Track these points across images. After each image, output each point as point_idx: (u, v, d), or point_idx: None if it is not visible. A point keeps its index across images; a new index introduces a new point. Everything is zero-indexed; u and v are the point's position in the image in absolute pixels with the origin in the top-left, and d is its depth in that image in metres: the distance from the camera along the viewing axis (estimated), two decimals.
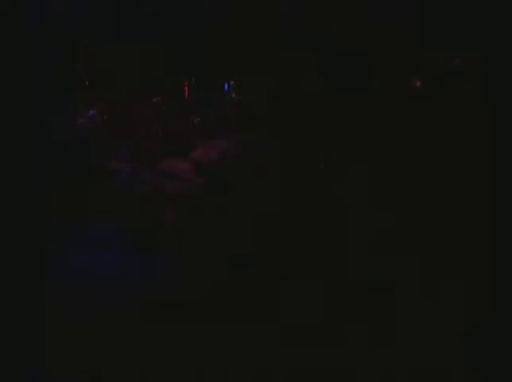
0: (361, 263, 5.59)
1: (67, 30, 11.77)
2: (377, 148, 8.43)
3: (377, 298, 4.99)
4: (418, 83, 9.03)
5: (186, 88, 12.72)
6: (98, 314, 4.77)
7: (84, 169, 9.69)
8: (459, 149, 7.82)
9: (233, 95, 13.32)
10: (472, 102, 8.32)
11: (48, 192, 8.31)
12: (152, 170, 11.37)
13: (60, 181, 8.93)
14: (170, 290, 5.28)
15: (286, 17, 11.64)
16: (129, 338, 4.43)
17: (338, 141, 9.14)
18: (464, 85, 8.61)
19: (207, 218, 7.81)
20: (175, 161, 11.99)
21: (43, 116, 9.73)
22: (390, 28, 9.76)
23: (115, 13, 12.66)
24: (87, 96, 11.81)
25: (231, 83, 13.57)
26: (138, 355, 4.32)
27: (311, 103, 10.17)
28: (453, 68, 8.98)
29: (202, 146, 11.98)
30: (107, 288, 5.27)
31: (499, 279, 3.66)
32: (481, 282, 4.37)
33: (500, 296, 3.61)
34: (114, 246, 6.50)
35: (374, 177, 7.74)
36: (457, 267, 5.15)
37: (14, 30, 3.96)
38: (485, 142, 4.80)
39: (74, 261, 5.63)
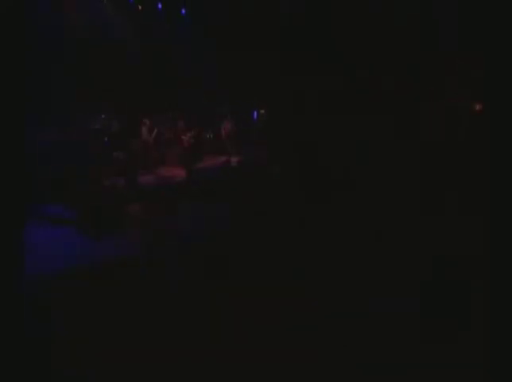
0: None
1: (78, 31, 11.84)
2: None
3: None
4: (478, 107, 8.93)
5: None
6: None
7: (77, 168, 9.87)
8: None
9: (260, 122, 13.57)
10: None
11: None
12: (148, 173, 11.54)
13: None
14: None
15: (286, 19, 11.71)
16: None
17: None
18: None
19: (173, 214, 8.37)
20: (174, 168, 12.19)
21: (41, 116, 9.78)
22: (390, 28, 9.76)
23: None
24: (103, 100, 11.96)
25: (261, 111, 13.74)
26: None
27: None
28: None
29: (207, 159, 12.22)
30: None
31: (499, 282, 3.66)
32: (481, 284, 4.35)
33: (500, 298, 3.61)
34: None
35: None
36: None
37: (14, 30, 3.94)
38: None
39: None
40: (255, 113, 14.01)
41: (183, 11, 13.85)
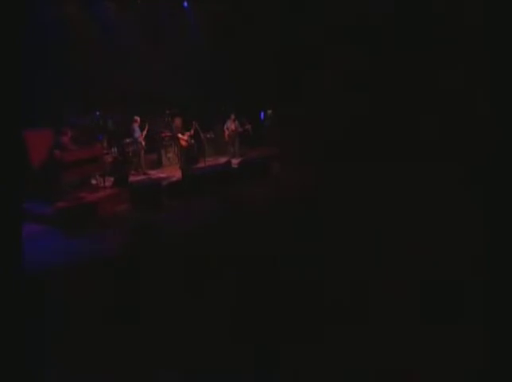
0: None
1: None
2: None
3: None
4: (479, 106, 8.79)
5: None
6: None
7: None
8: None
9: (268, 122, 13.46)
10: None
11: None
12: (140, 174, 11.45)
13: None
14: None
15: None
16: None
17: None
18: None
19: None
20: (171, 169, 12.06)
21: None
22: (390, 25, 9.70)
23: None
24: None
25: (269, 112, 13.51)
26: None
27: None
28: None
29: (207, 160, 12.06)
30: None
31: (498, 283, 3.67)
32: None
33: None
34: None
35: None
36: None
37: (14, 30, 3.95)
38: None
39: None
40: (262, 113, 13.84)
41: (185, 4, 13.67)
